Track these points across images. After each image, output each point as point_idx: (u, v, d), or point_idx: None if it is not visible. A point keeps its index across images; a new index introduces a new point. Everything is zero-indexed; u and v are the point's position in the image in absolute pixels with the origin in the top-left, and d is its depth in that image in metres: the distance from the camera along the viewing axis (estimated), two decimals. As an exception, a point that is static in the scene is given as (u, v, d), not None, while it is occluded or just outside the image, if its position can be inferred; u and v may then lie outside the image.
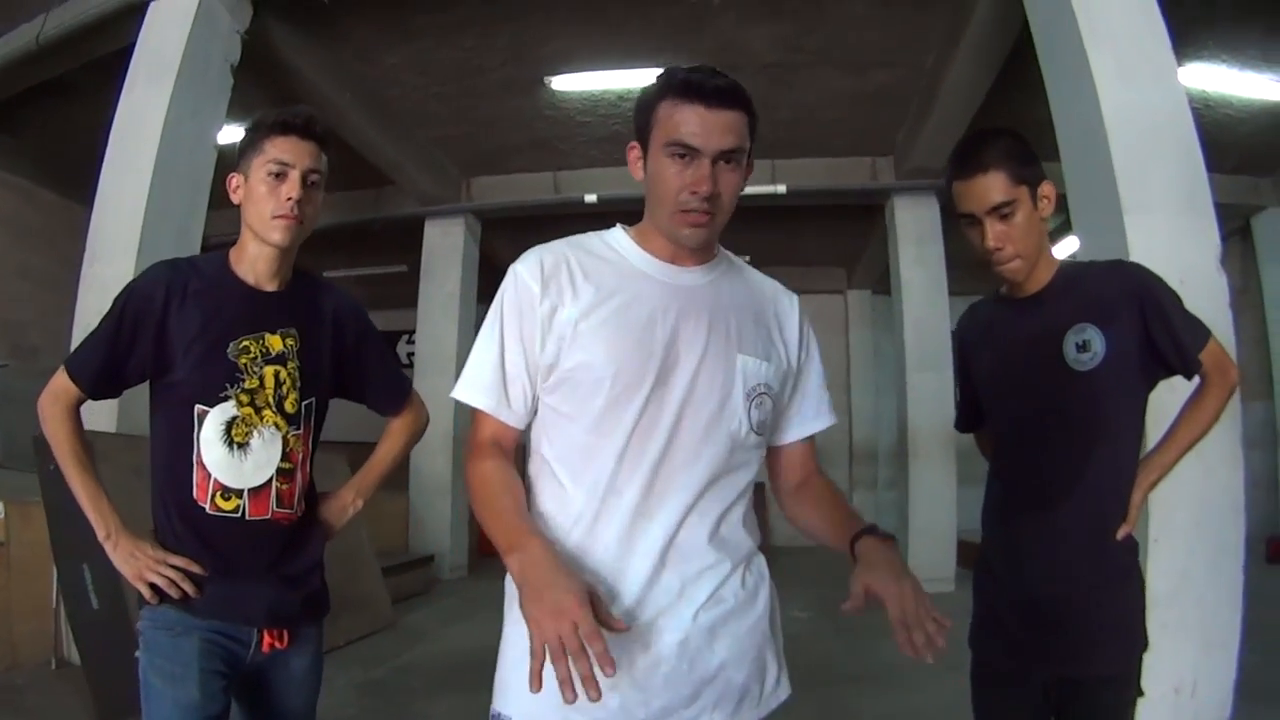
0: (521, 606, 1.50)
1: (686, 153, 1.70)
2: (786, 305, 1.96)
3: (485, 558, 10.86)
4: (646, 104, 1.78)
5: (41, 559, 5.37)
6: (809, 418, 1.98)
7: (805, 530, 1.93)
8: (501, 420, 1.82)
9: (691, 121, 1.69)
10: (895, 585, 1.53)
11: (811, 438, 2.00)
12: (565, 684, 1.36)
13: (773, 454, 1.99)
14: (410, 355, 12.53)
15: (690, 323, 1.77)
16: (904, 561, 1.63)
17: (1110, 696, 2.34)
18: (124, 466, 4.01)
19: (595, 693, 1.36)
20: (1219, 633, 3.96)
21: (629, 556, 1.70)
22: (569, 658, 1.37)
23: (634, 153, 1.82)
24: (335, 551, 2.55)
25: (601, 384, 1.72)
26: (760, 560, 1.90)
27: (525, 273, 1.80)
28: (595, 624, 1.41)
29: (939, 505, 9.35)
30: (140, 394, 2.34)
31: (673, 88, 1.73)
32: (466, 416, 1.86)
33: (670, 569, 1.71)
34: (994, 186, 2.28)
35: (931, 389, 9.18)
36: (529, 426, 1.86)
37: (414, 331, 11.30)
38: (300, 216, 2.26)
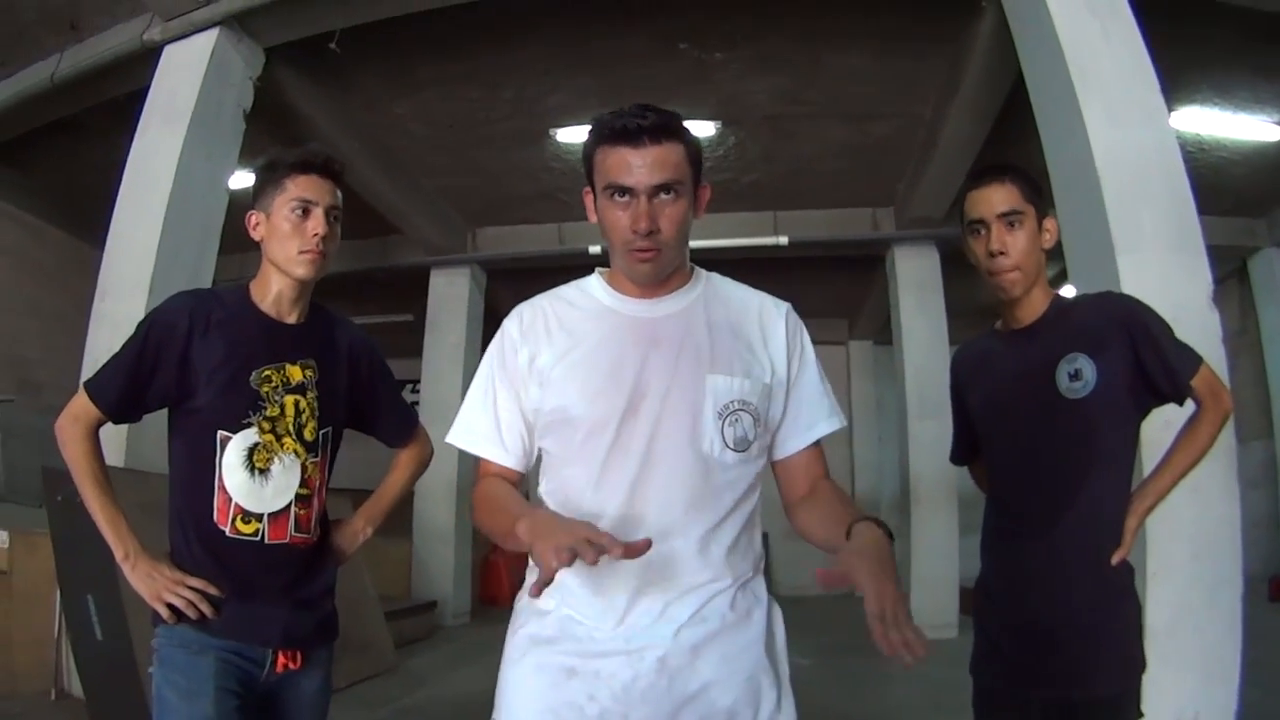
0: (532, 555, 1.61)
1: (623, 194, 1.79)
2: (774, 316, 2.00)
3: (488, 605, 10.84)
4: (586, 154, 1.89)
5: (44, 590, 5.40)
6: (805, 426, 1.98)
7: (809, 537, 1.89)
8: (499, 463, 1.95)
9: (621, 164, 1.78)
10: (877, 581, 1.47)
11: (816, 446, 2.00)
12: (586, 549, 1.46)
13: (778, 468, 2.02)
14: (415, 405, 12.54)
15: (660, 351, 1.86)
16: (893, 560, 1.56)
17: (1110, 718, 2.36)
18: (131, 503, 4.02)
19: (618, 550, 1.47)
20: (1219, 665, 3.94)
21: (610, 577, 1.76)
22: (583, 548, 1.46)
23: (588, 199, 1.93)
24: (338, 594, 2.59)
25: (578, 421, 1.83)
26: (759, 583, 1.93)
27: (509, 327, 1.98)
28: (601, 536, 1.50)
29: (941, 553, 9.31)
30: (150, 430, 2.39)
31: (602, 135, 1.83)
32: (469, 465, 1.98)
33: (652, 587, 1.77)
34: (1008, 195, 2.43)
35: (933, 437, 9.11)
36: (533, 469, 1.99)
37: (419, 381, 11.32)
38: (324, 251, 2.36)
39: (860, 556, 1.54)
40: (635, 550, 1.52)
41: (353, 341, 2.58)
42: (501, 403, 1.94)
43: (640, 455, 1.80)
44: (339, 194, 2.42)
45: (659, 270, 1.86)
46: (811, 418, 1.98)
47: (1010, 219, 2.42)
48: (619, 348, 1.86)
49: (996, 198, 2.43)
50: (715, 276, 2.05)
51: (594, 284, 2.00)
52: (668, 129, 1.80)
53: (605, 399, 1.82)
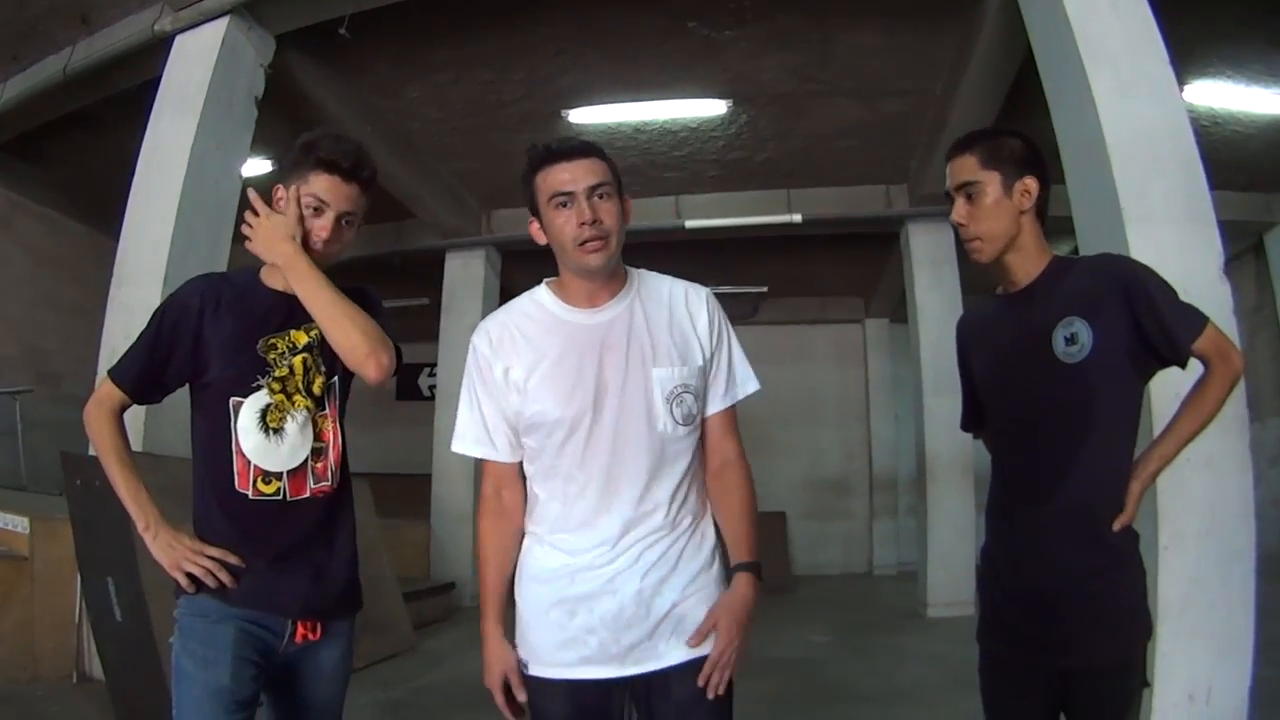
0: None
1: (566, 198, 2.18)
2: (696, 302, 2.37)
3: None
4: (526, 180, 2.28)
5: (65, 575, 5.50)
6: (718, 396, 2.36)
7: (715, 516, 2.38)
8: (496, 461, 2.35)
9: (560, 175, 2.19)
10: (727, 636, 2.20)
11: (728, 413, 2.38)
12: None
13: (701, 430, 2.37)
14: (432, 388, 12.58)
15: (612, 353, 2.24)
16: (749, 617, 2.25)
17: (1115, 686, 2.36)
18: (149, 485, 4.09)
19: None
20: (1232, 639, 3.93)
21: (593, 537, 2.22)
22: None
23: (534, 225, 2.31)
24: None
25: (556, 422, 2.22)
26: (707, 525, 2.35)
27: (480, 344, 2.32)
28: (502, 701, 2.25)
29: (957, 529, 9.30)
30: (167, 414, 2.44)
31: (538, 159, 2.23)
32: None
33: (628, 543, 2.21)
34: (964, 167, 2.46)
35: (949, 414, 8.81)
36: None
37: (435, 364, 11.36)
38: (324, 252, 2.42)
39: (726, 613, 2.23)
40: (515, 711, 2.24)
41: (358, 298, 2.48)
42: (486, 410, 2.32)
43: (611, 440, 2.21)
44: (361, 200, 2.46)
45: (608, 260, 2.21)
46: (727, 385, 2.37)
47: (968, 190, 2.43)
48: (579, 355, 2.23)
49: (955, 170, 2.47)
50: (643, 273, 2.41)
51: (544, 295, 2.35)
52: (590, 147, 2.25)
53: (576, 401, 2.20)
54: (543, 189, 2.21)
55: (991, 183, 2.41)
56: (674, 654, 2.20)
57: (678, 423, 2.24)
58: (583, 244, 2.17)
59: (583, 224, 2.15)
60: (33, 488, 8.48)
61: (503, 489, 2.36)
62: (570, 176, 2.17)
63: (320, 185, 2.38)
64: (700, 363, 2.29)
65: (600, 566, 2.20)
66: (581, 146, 2.22)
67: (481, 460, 2.37)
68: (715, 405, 2.35)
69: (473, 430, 2.33)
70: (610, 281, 2.30)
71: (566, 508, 2.24)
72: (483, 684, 2.29)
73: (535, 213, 2.27)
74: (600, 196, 2.18)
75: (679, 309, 2.34)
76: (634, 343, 2.25)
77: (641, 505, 2.21)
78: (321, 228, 2.39)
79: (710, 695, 2.16)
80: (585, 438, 2.20)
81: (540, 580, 2.27)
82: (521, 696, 2.23)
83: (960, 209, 2.46)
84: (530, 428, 2.25)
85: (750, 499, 2.37)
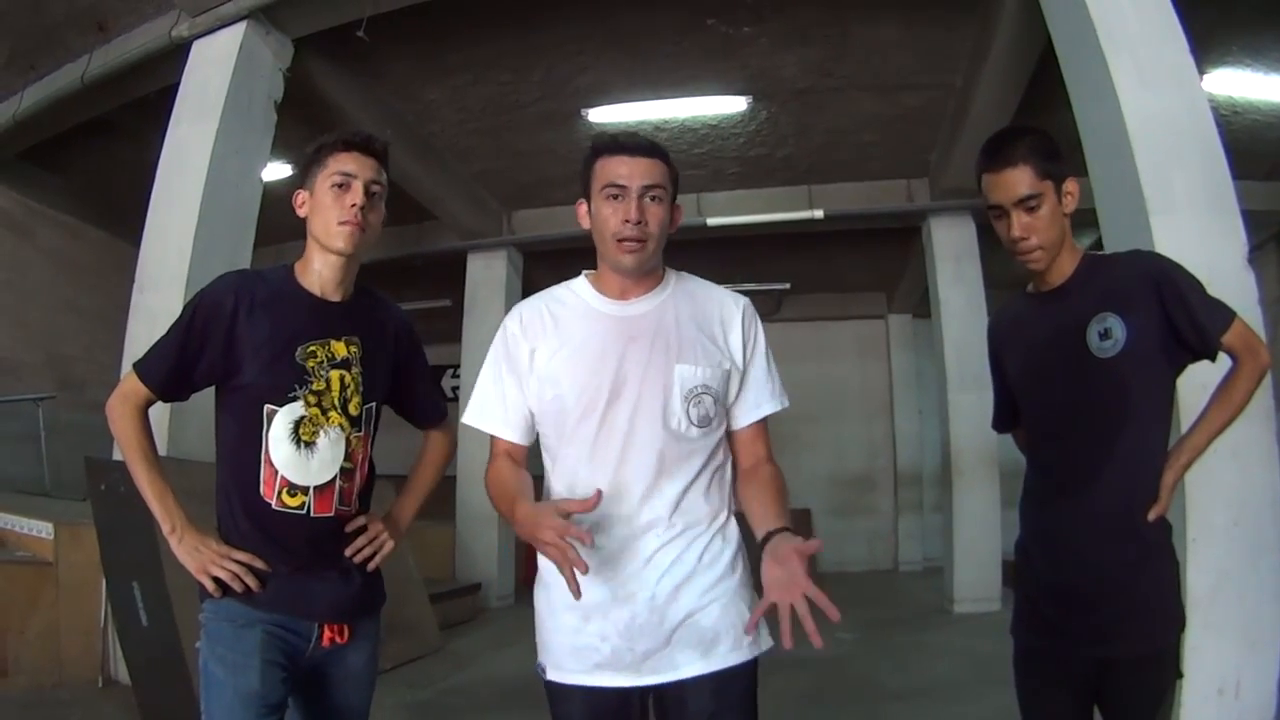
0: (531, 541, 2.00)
1: (618, 192, 2.18)
2: (732, 310, 2.35)
3: (531, 587, 10.91)
4: (585, 165, 2.29)
5: (90, 579, 5.54)
6: (752, 406, 2.34)
7: (746, 514, 2.26)
8: (507, 439, 2.33)
9: (619, 167, 2.20)
10: (776, 579, 1.89)
11: (760, 424, 2.35)
12: (569, 574, 1.86)
13: (731, 439, 2.37)
14: (455, 389, 12.58)
15: (636, 346, 2.23)
16: (800, 549, 1.93)
17: (1149, 676, 2.38)
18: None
19: (582, 567, 1.84)
20: (1261, 632, 3.92)
21: (602, 536, 2.13)
22: (565, 560, 1.86)
23: (581, 208, 2.32)
24: (383, 576, 2.63)
25: (570, 408, 2.22)
26: (730, 527, 2.29)
27: (511, 324, 2.33)
28: (565, 522, 1.90)
29: (983, 525, 9.26)
30: (192, 419, 2.44)
31: (603, 147, 2.25)
32: None
33: (637, 542, 2.17)
34: (1021, 180, 2.41)
35: (974, 409, 9.09)
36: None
37: (459, 366, 11.38)
38: (363, 224, 2.41)
39: (768, 568, 1.96)
40: (589, 504, 1.93)
41: (397, 323, 2.63)
42: (508, 388, 2.31)
43: (623, 433, 2.19)
44: (382, 171, 2.48)
45: (642, 262, 2.22)
46: (758, 399, 2.35)
47: (1029, 203, 2.41)
48: (602, 343, 2.23)
49: (1012, 184, 2.42)
50: (685, 275, 2.41)
51: (581, 285, 2.36)
52: (656, 148, 2.25)
53: (593, 388, 2.19)
54: (599, 176, 2.22)
55: (1048, 192, 2.42)
56: (692, 666, 2.14)
57: (692, 423, 2.20)
58: (621, 240, 2.18)
59: (626, 221, 2.16)
60: (56, 493, 8.54)
61: (512, 453, 2.34)
62: (627, 171, 2.18)
63: (340, 161, 2.41)
64: (726, 368, 2.27)
65: (611, 568, 2.16)
66: (646, 145, 2.23)
67: (492, 440, 2.35)
68: (747, 417, 2.33)
69: (490, 405, 2.33)
70: (645, 278, 2.30)
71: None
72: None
73: (587, 197, 2.28)
74: (651, 198, 2.19)
75: (713, 313, 2.33)
76: (660, 337, 2.23)
77: (649, 503, 2.18)
78: (354, 195, 2.39)
79: (814, 640, 1.79)
80: (597, 427, 2.18)
81: (556, 585, 2.17)
82: (586, 539, 1.91)
83: (1021, 223, 2.42)
84: (546, 413, 2.26)
85: (780, 485, 2.27)
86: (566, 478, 2.24)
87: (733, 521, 2.31)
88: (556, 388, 2.22)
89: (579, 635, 2.17)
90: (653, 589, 2.15)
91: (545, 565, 2.24)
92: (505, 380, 2.31)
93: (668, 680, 2.15)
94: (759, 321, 2.39)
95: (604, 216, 2.20)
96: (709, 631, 2.15)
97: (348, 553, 2.44)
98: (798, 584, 1.84)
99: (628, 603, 2.15)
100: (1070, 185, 2.45)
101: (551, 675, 2.22)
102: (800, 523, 13.00)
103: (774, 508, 2.16)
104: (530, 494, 2.15)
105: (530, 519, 1.98)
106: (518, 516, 2.06)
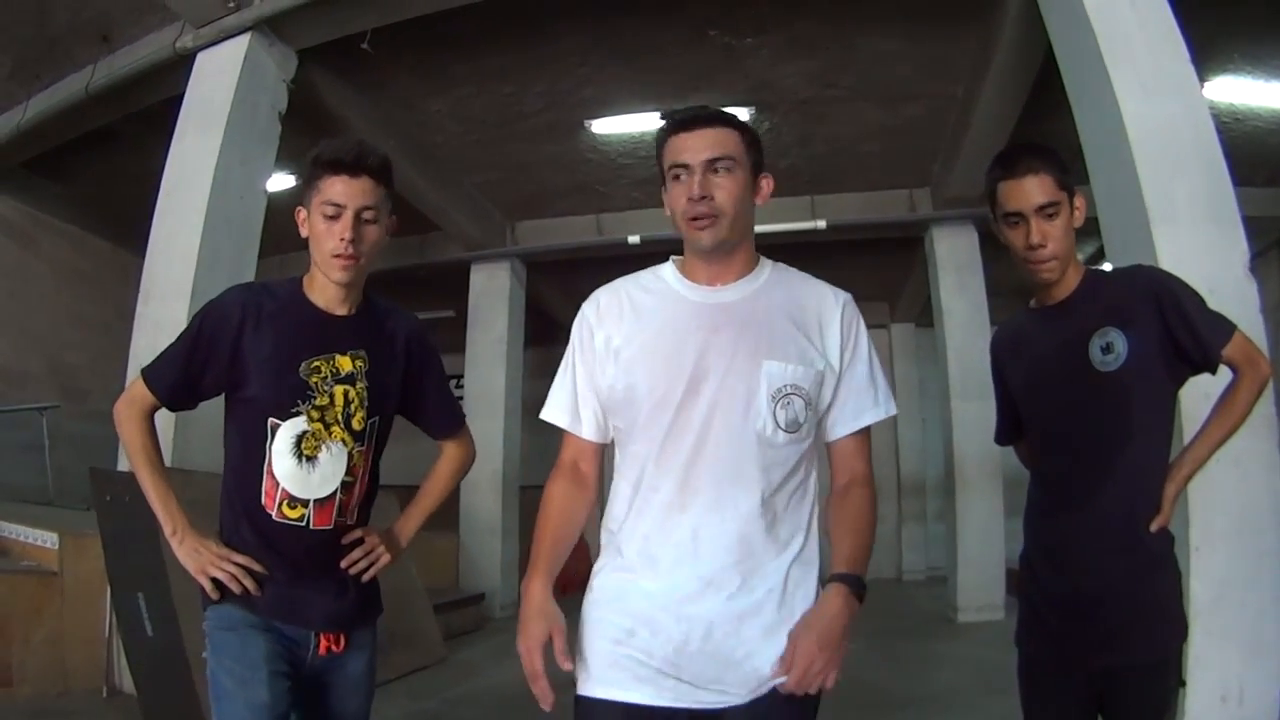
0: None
1: (681, 170, 2.03)
2: (831, 305, 2.12)
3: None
4: (657, 149, 2.13)
5: (94, 589, 5.54)
6: (851, 415, 2.10)
7: (830, 537, 2.06)
8: (578, 435, 2.17)
9: (680, 145, 2.04)
10: (805, 659, 1.83)
11: (861, 435, 2.13)
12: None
13: (828, 449, 2.15)
14: (460, 399, 12.53)
15: (721, 336, 2.01)
16: (840, 622, 1.88)
17: (1153, 685, 2.39)
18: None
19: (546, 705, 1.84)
20: (1264, 639, 3.92)
21: (662, 545, 1.97)
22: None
23: (665, 194, 2.12)
24: (385, 587, 2.63)
25: (641, 399, 2.02)
26: (809, 551, 2.05)
27: (588, 311, 2.18)
28: (538, 667, 1.87)
29: (987, 534, 9.26)
30: (196, 429, 2.45)
31: (665, 130, 2.09)
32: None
33: (700, 558, 1.94)
34: (1043, 187, 2.44)
35: (976, 418, 9.04)
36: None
37: (463, 376, 11.38)
38: (356, 255, 2.37)
39: (805, 631, 1.88)
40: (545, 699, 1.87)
41: (408, 332, 2.61)
42: (580, 380, 2.16)
43: (697, 433, 1.97)
44: (379, 190, 2.41)
45: (716, 237, 2.02)
46: (858, 407, 2.10)
47: (1048, 210, 2.44)
48: (682, 332, 2.03)
49: (1033, 191, 2.45)
50: (782, 266, 2.20)
51: (667, 271, 2.17)
52: (720, 116, 2.06)
53: (667, 379, 1.99)
54: (666, 159, 2.07)
55: (1065, 202, 2.46)
56: (739, 692, 1.91)
57: (779, 426, 1.97)
58: (692, 219, 2.01)
59: (690, 199, 2.00)
60: (60, 503, 8.57)
61: (580, 461, 2.19)
62: (689, 147, 2.01)
63: (330, 189, 2.34)
64: (819, 368, 2.03)
65: (668, 581, 1.94)
66: (707, 116, 2.05)
67: (563, 434, 2.20)
68: (847, 426, 2.10)
69: (562, 399, 2.18)
70: (735, 263, 2.11)
71: (641, 504, 2.01)
72: (516, 692, 2.13)
73: (662, 180, 2.13)
74: (719, 171, 2.00)
75: (810, 307, 2.10)
76: (749, 330, 2.02)
77: (719, 512, 1.94)
78: (342, 229, 2.33)
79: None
80: (670, 422, 1.98)
81: (604, 588, 2.04)
82: (566, 665, 1.90)
83: (1040, 229, 2.45)
84: (617, 404, 2.07)
85: (870, 516, 2.06)
86: (632, 474, 2.04)
87: (813, 544, 2.07)
88: (629, 377, 2.03)
89: (622, 646, 1.94)
90: (714, 615, 1.91)
91: (598, 564, 2.10)
92: (577, 370, 2.16)
93: (711, 707, 1.92)
94: (861, 320, 2.15)
95: (672, 198, 2.06)
96: (766, 679, 1.91)
97: (343, 565, 2.44)
98: (816, 651, 1.83)
99: (683, 624, 1.92)
100: (1079, 200, 2.49)
101: (585, 689, 1.99)
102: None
103: (848, 548, 1.98)
104: (560, 559, 2.08)
105: (523, 619, 1.96)
106: (526, 594, 1.99)
